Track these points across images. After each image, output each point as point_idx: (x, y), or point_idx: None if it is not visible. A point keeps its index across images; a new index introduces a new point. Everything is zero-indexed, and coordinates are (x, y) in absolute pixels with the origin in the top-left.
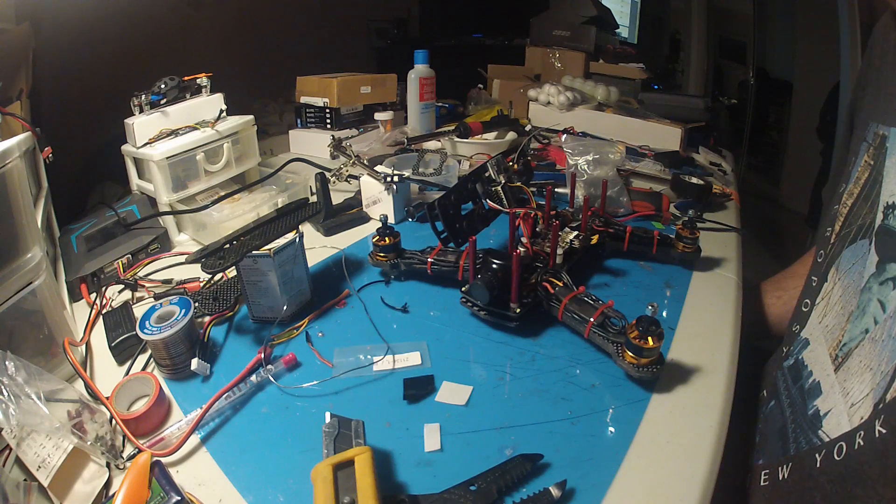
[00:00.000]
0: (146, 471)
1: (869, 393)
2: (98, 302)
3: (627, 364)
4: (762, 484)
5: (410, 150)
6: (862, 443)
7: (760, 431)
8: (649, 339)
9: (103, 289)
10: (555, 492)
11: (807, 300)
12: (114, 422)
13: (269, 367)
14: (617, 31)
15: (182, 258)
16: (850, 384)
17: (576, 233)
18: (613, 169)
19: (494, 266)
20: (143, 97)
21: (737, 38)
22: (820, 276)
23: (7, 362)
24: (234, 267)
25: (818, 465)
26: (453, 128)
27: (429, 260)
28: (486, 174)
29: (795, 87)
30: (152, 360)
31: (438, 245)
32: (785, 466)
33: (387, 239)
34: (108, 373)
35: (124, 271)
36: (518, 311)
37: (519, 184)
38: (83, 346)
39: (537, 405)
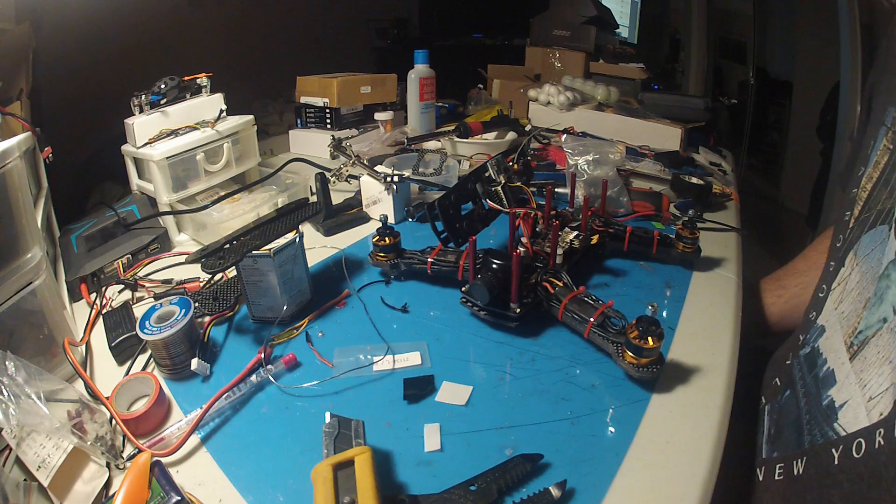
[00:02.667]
0: (146, 471)
1: (889, 387)
2: (98, 302)
3: (627, 364)
4: (777, 478)
5: (410, 150)
6: (882, 441)
7: (776, 422)
8: (649, 339)
9: (103, 289)
10: (555, 492)
11: (823, 285)
12: (114, 422)
13: (269, 367)
14: (617, 31)
15: (182, 258)
16: (867, 375)
17: (576, 233)
18: (613, 169)
19: (494, 266)
20: (143, 97)
21: (737, 38)
22: (837, 261)
23: (7, 362)
24: (234, 267)
25: (836, 461)
26: (453, 128)
27: (429, 260)
28: (486, 174)
29: (795, 87)
30: (152, 360)
31: (438, 245)
32: (800, 460)
33: (387, 239)
34: (108, 373)
35: (124, 271)
36: (518, 311)
37: (519, 184)
38: (83, 346)
39: (537, 405)
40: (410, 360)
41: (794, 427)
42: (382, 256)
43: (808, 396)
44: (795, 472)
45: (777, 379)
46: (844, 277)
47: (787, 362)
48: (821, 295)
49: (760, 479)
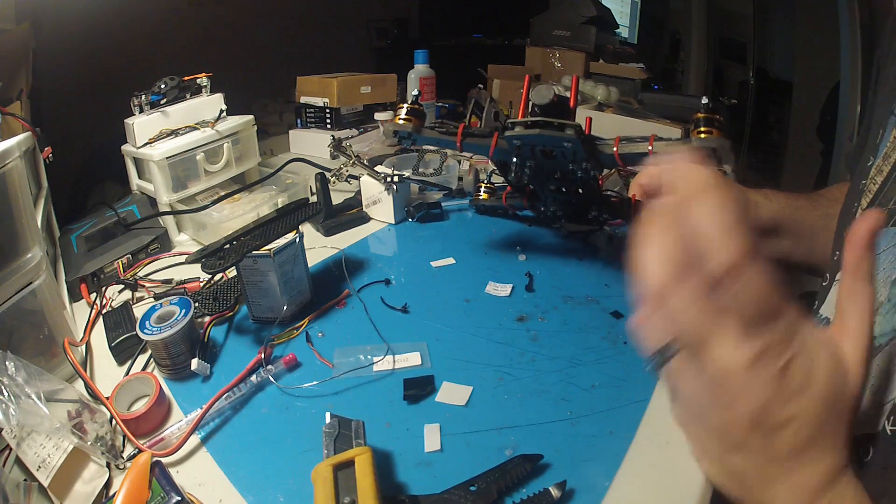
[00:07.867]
0: (146, 471)
1: None
2: (98, 302)
3: (703, 139)
4: None
5: (410, 150)
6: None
7: None
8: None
9: (103, 289)
10: (555, 492)
11: (826, 274)
12: (114, 422)
13: (270, 367)
14: (617, 31)
15: (182, 258)
16: (877, 382)
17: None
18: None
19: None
20: (143, 97)
21: (737, 38)
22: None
23: (7, 362)
24: (234, 267)
25: None
26: None
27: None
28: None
29: (795, 87)
30: (152, 360)
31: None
32: None
33: (417, 105)
34: (108, 373)
35: (124, 271)
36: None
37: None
38: (83, 346)
39: (537, 405)
40: (410, 360)
41: None
42: (406, 119)
43: None
44: None
45: None
46: None
47: None
48: (824, 284)
49: None
